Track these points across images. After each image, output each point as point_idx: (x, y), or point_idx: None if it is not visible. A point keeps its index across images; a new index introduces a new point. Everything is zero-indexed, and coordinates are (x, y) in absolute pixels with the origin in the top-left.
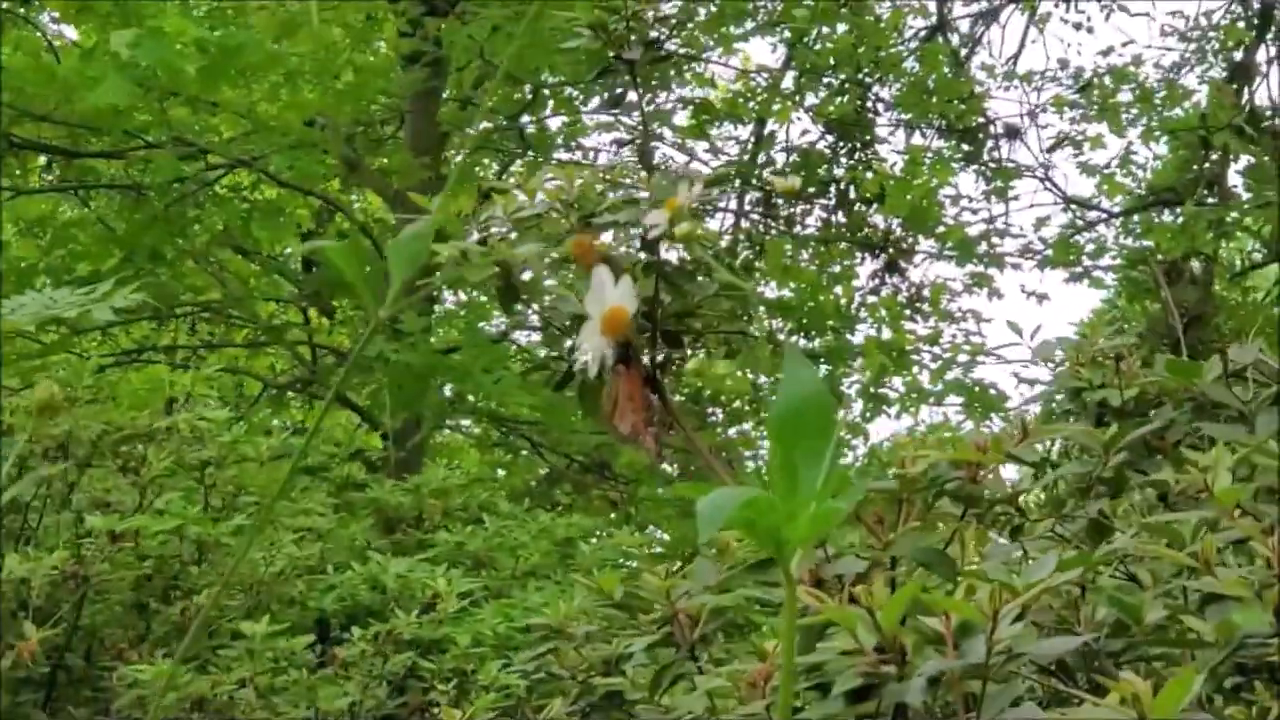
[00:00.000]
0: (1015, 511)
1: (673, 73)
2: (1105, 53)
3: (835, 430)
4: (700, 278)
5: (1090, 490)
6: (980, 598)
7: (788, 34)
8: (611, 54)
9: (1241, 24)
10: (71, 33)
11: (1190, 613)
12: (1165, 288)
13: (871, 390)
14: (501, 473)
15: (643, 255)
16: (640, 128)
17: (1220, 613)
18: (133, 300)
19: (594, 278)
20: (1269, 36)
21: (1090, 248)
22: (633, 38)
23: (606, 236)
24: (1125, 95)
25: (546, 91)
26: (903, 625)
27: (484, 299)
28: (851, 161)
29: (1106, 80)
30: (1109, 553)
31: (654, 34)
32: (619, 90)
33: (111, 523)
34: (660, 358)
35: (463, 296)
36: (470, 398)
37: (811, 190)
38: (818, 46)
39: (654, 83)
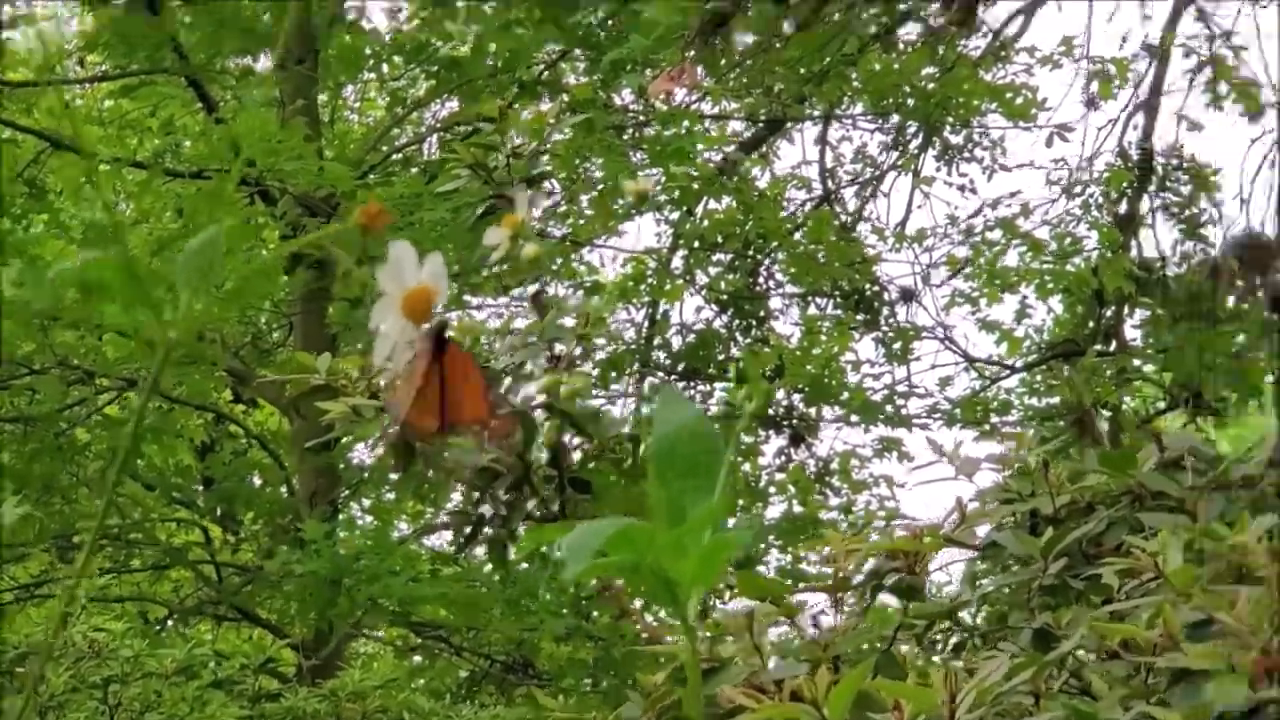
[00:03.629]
0: (955, 626)
1: (560, 260)
2: (994, 205)
3: (723, 463)
4: (605, 417)
5: (1031, 600)
6: (934, 685)
7: (674, 214)
8: (492, 195)
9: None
10: None
11: (1154, 703)
12: (1095, 427)
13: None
14: (420, 682)
15: (543, 399)
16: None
17: (1189, 693)
18: (16, 514)
19: (391, 252)
20: (1150, 187)
21: (996, 403)
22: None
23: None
24: (1013, 256)
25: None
26: None
27: (389, 499)
28: (748, 339)
29: (996, 234)
30: (1062, 655)
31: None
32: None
33: None
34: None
35: (366, 503)
36: (383, 602)
37: (710, 371)
38: (704, 224)
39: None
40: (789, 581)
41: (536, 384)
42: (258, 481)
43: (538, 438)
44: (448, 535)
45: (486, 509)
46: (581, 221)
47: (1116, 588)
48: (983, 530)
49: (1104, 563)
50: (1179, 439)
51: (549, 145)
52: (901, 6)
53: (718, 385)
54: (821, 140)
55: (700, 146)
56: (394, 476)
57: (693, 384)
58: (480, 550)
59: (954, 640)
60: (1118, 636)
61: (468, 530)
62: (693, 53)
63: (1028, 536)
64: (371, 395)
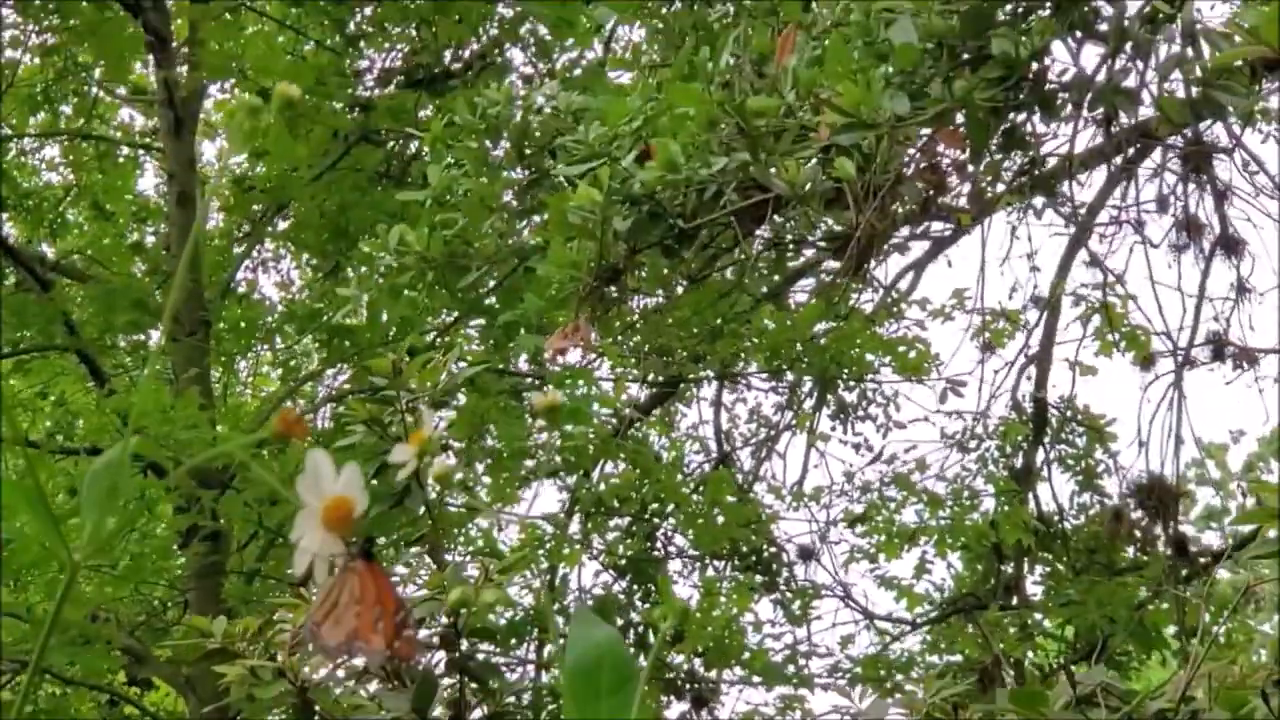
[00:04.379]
0: None
1: (457, 531)
2: (889, 461)
3: (639, 683)
4: (506, 674)
5: None
6: None
7: (570, 479)
8: (387, 450)
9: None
10: None
11: None
12: (1000, 678)
13: None
14: None
15: (443, 653)
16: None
17: None
18: None
19: (309, 462)
20: (1045, 439)
21: (899, 662)
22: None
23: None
24: (911, 513)
25: None
26: None
27: None
28: (646, 603)
29: (892, 490)
30: None
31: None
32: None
33: None
34: None
35: None
36: None
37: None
38: (602, 488)
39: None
40: None
41: (450, 596)
42: None
43: (437, 695)
44: None
45: None
46: (480, 489)
47: None
48: None
49: None
50: (1091, 675)
51: (445, 400)
52: (792, 265)
53: None
54: (716, 402)
55: (597, 407)
56: None
57: None
58: None
59: None
60: None
61: None
62: (586, 314)
63: None
64: (269, 658)
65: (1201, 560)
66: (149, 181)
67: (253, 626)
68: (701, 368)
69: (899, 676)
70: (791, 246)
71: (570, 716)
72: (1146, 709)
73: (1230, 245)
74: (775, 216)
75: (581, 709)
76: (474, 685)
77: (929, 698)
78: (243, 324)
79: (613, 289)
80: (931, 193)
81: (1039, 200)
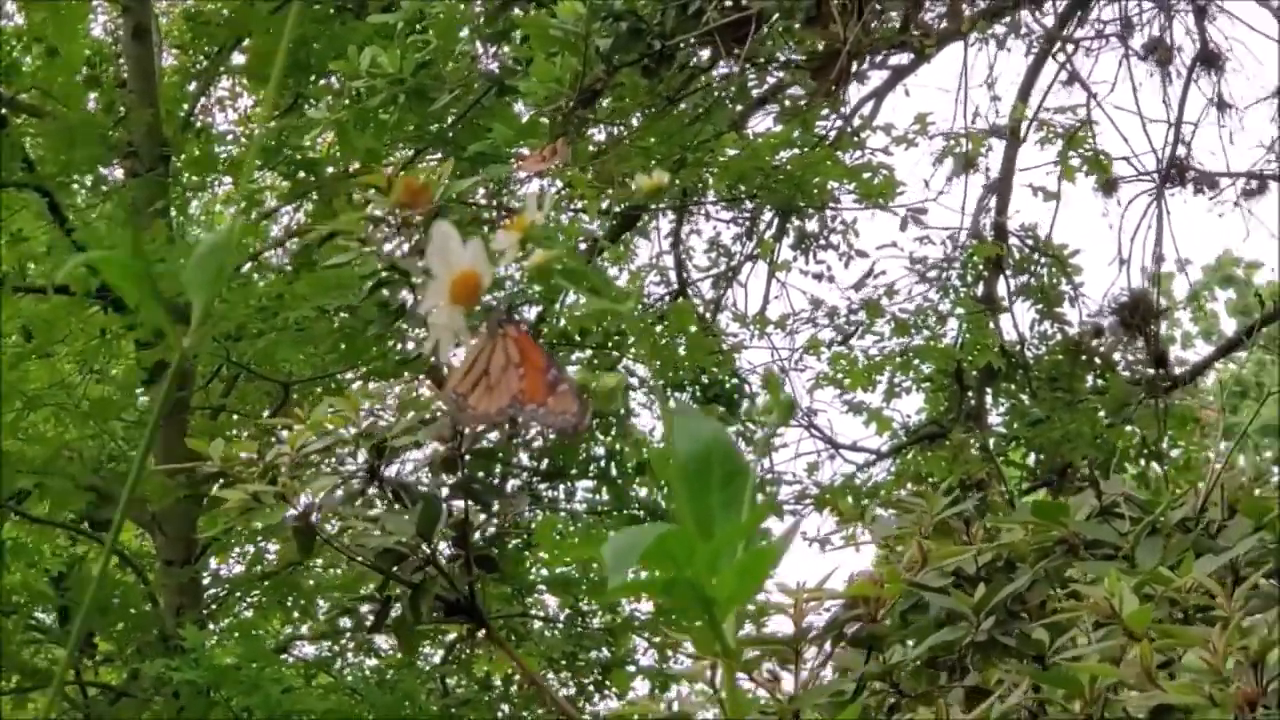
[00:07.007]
0: (891, 688)
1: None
2: (857, 286)
3: (749, 474)
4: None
5: (966, 658)
6: None
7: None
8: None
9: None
10: None
11: None
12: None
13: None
14: None
15: (445, 477)
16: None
17: None
18: None
19: (435, 233)
20: (1007, 270)
21: (868, 489)
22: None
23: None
24: (874, 342)
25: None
26: None
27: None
28: (608, 436)
29: (860, 315)
30: (1007, 711)
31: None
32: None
33: None
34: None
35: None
36: (256, 714)
37: (574, 471)
38: (563, 321)
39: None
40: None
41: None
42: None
43: (442, 518)
44: (310, 650)
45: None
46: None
47: (1048, 643)
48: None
49: (1055, 609)
50: (1112, 484)
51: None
52: (756, 92)
53: (580, 484)
54: (676, 232)
55: (562, 237)
56: (264, 583)
57: (555, 484)
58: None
59: (890, 702)
60: (1095, 674)
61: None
62: (562, 137)
63: (962, 594)
64: (269, 481)
65: (1163, 384)
66: (99, 21)
67: (252, 449)
68: (664, 198)
69: (866, 503)
70: (756, 72)
71: (684, 510)
72: (1169, 519)
73: (1209, 59)
74: (755, 35)
75: (694, 502)
76: (477, 507)
77: (935, 514)
78: (201, 156)
79: (588, 112)
80: (911, 8)
81: (999, 29)
